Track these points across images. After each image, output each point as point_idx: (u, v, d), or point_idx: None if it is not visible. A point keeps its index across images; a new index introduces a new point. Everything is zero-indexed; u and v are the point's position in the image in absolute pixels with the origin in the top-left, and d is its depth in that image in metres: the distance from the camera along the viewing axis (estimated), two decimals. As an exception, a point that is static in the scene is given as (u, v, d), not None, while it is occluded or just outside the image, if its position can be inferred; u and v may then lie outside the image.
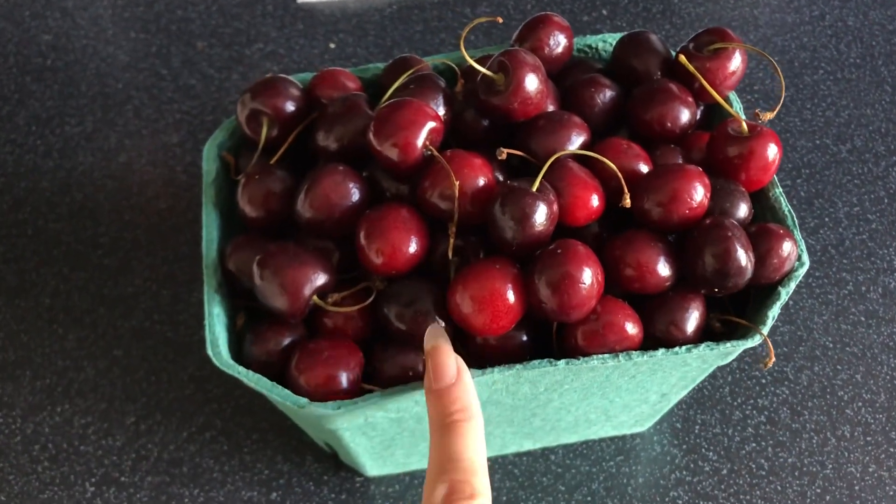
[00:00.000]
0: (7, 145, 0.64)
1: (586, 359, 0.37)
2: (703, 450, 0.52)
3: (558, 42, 0.45)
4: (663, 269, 0.38)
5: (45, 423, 0.52)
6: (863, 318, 0.57)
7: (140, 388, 0.53)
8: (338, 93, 0.44)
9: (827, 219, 0.62)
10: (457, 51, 0.68)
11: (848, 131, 0.66)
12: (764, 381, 0.55)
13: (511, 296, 0.36)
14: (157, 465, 0.51)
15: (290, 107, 0.43)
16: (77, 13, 0.73)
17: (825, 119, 0.67)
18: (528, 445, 0.51)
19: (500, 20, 0.40)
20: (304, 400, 0.36)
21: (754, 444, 0.52)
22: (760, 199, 0.43)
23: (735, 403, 0.54)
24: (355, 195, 0.39)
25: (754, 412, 0.54)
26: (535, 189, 0.37)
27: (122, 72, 0.69)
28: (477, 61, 0.44)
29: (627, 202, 0.38)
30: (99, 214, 0.61)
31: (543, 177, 0.38)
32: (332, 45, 0.70)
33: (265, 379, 0.37)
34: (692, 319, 0.39)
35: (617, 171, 0.38)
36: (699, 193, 0.38)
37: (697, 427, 0.53)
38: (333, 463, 0.51)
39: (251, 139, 0.44)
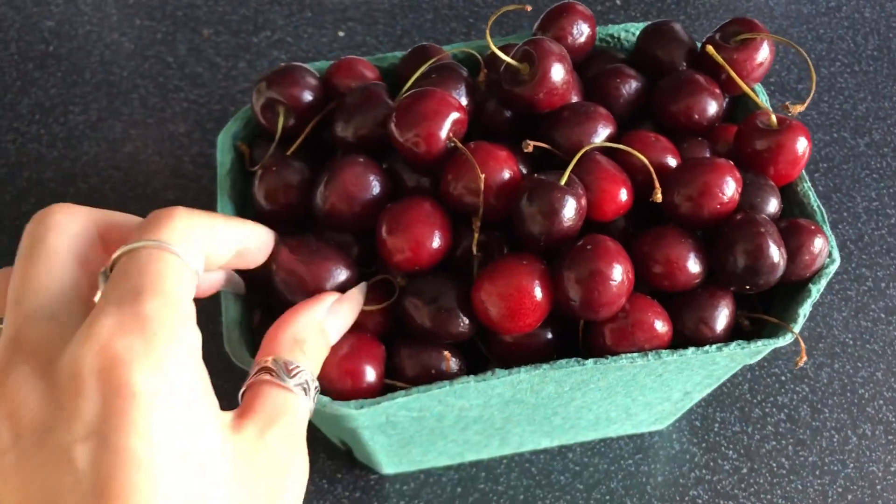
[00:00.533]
0: (10, 133, 0.63)
1: (615, 358, 0.36)
2: (723, 448, 0.51)
3: (581, 31, 0.44)
4: (693, 265, 0.37)
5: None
6: (883, 315, 0.56)
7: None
8: (355, 82, 0.43)
9: (845, 213, 0.61)
10: (474, 40, 0.67)
11: (866, 125, 0.65)
12: (783, 378, 0.54)
13: (538, 293, 0.35)
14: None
15: (307, 96, 0.41)
16: (80, -1, 0.71)
17: (843, 112, 0.66)
18: (545, 443, 0.50)
19: (529, 8, 0.39)
20: (326, 399, 0.35)
21: (774, 443, 0.52)
22: (788, 194, 0.42)
23: (755, 401, 0.53)
24: (376, 187, 0.38)
25: (774, 410, 0.53)
26: (563, 183, 0.36)
27: (126, 59, 0.67)
28: (500, 49, 0.43)
29: (659, 197, 0.37)
30: (105, 205, 0.59)
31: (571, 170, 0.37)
32: (341, 34, 0.69)
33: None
34: (722, 317, 0.38)
35: (648, 164, 0.37)
36: (730, 188, 0.37)
37: (717, 425, 0.52)
38: (347, 460, 0.50)
39: (266, 129, 0.42)
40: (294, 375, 0.30)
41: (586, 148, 0.37)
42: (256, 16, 0.70)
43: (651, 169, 0.37)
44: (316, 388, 0.31)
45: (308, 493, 0.49)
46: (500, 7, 0.71)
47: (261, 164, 0.41)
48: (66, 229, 0.27)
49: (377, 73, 0.45)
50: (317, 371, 0.32)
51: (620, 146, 0.38)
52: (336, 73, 0.43)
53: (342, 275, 0.37)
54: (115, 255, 0.26)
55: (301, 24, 0.70)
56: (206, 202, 0.59)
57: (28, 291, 0.26)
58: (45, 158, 0.61)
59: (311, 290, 0.36)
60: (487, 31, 0.38)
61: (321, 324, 0.34)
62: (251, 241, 0.33)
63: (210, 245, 0.29)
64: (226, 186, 0.41)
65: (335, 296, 0.35)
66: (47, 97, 0.65)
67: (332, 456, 0.50)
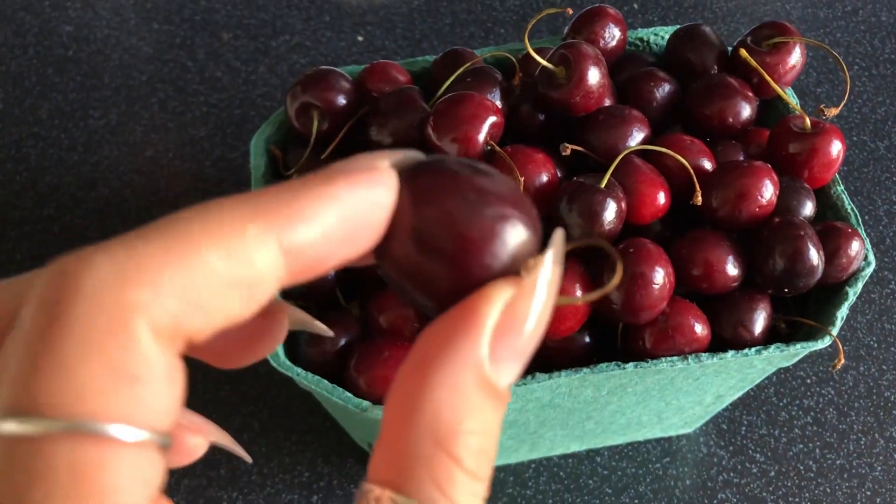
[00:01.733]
0: (30, 139, 0.63)
1: (655, 361, 0.36)
2: (751, 451, 0.51)
3: (613, 35, 0.44)
4: (732, 268, 0.37)
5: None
6: (906, 318, 0.56)
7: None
8: (388, 86, 0.43)
9: (867, 216, 0.61)
10: (492, 43, 0.67)
11: (885, 128, 0.65)
12: (809, 381, 0.54)
13: (579, 296, 0.35)
14: (193, 468, 0.50)
15: (341, 100, 0.41)
16: (98, 3, 0.71)
17: (861, 116, 0.66)
18: (574, 447, 0.50)
19: (570, 11, 0.39)
20: (366, 403, 0.35)
21: (801, 446, 0.52)
22: (821, 197, 0.42)
23: (781, 404, 0.53)
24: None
25: (800, 413, 0.53)
26: (603, 186, 0.36)
27: (146, 63, 0.67)
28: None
29: (699, 199, 0.37)
30: (126, 210, 0.59)
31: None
32: (360, 38, 0.69)
33: (325, 381, 0.36)
34: (760, 320, 0.38)
35: (689, 167, 0.37)
36: (769, 191, 0.37)
37: (744, 428, 0.52)
38: (375, 465, 0.50)
39: (300, 133, 0.42)
40: None
41: (626, 151, 0.37)
42: (275, 20, 0.70)
43: (691, 171, 0.37)
44: None
45: (336, 498, 0.49)
46: (519, 13, 0.71)
47: (296, 167, 0.41)
48: None
49: (409, 77, 0.44)
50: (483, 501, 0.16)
51: (660, 149, 0.38)
52: (369, 77, 0.43)
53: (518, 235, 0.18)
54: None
55: (320, 28, 0.70)
56: (228, 206, 0.59)
57: None
58: (66, 163, 0.61)
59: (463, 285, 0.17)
60: (526, 35, 0.38)
61: (489, 381, 0.16)
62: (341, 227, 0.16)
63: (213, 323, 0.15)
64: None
65: (503, 294, 0.16)
66: (67, 102, 0.65)
67: (360, 461, 0.50)
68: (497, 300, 0.16)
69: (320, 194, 0.15)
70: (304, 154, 0.41)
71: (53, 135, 0.63)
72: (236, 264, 0.14)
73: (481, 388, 0.15)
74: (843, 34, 0.71)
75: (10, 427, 0.13)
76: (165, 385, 0.14)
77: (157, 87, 0.66)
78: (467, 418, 0.15)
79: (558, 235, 0.17)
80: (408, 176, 0.17)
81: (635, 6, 0.72)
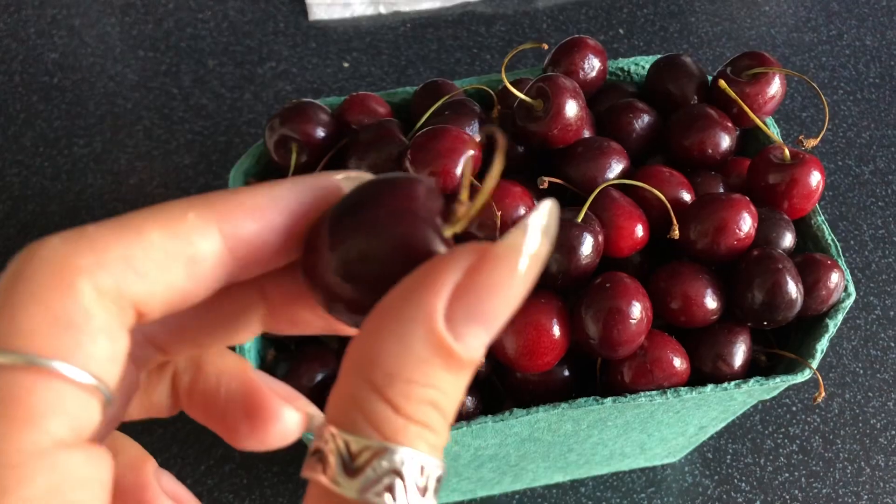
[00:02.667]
0: (14, 167, 0.62)
1: (633, 396, 0.36)
2: (736, 480, 0.51)
3: (593, 66, 0.44)
4: (711, 301, 0.37)
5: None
6: (892, 344, 0.56)
7: (156, 420, 0.52)
8: (368, 118, 0.43)
9: (852, 241, 0.61)
10: (477, 70, 0.67)
11: (870, 152, 0.65)
12: (794, 408, 0.54)
13: (556, 331, 0.35)
14: (174, 500, 0.49)
15: (319, 132, 0.41)
16: (84, 31, 0.71)
17: (847, 140, 0.66)
18: (558, 478, 0.50)
19: (546, 46, 0.39)
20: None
21: (787, 475, 0.51)
22: (802, 227, 0.41)
23: (766, 432, 0.53)
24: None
25: (786, 441, 0.52)
26: (580, 220, 0.36)
27: (131, 91, 0.67)
28: (512, 84, 0.43)
29: (676, 233, 0.37)
30: (110, 238, 0.59)
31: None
32: (346, 64, 0.69)
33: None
34: (739, 353, 0.38)
35: (665, 201, 0.37)
36: (747, 224, 0.37)
37: (729, 457, 0.52)
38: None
39: (279, 165, 0.42)
40: (366, 467, 0.15)
41: (603, 185, 0.37)
42: (261, 46, 0.70)
43: (668, 206, 0.37)
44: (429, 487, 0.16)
45: (318, 530, 0.48)
46: (505, 38, 0.71)
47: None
48: None
49: (389, 109, 0.44)
50: (435, 448, 0.16)
51: (637, 183, 0.38)
52: (348, 109, 0.43)
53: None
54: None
55: (306, 54, 0.70)
56: (212, 234, 0.59)
57: None
58: (50, 191, 0.61)
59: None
60: (503, 69, 0.38)
61: (441, 337, 0.16)
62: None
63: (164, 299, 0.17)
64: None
65: (466, 257, 0.16)
66: (51, 129, 0.65)
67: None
68: (458, 262, 0.16)
69: (264, 192, 0.18)
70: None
71: (37, 163, 0.63)
72: (176, 241, 0.16)
73: (429, 343, 0.16)
74: (828, 58, 0.71)
75: None
76: (105, 338, 0.15)
77: (143, 115, 0.66)
78: (410, 369, 0.15)
79: (545, 205, 0.17)
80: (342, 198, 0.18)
81: (620, 31, 0.72)
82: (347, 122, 0.43)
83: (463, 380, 0.16)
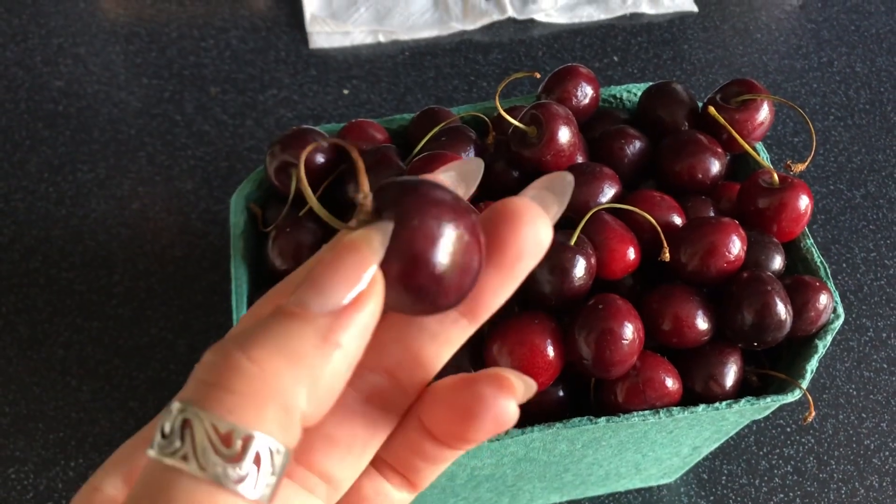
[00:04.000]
0: (18, 192, 0.64)
1: (627, 416, 0.37)
2: (731, 501, 0.51)
3: (585, 93, 0.45)
4: (701, 323, 0.38)
5: (58, 479, 0.51)
6: (885, 365, 0.57)
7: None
8: (366, 144, 0.44)
9: (844, 265, 0.62)
10: (475, 97, 0.69)
11: (861, 177, 0.66)
12: (789, 429, 0.54)
13: (550, 352, 0.36)
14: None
15: (319, 158, 0.42)
16: (89, 59, 0.72)
17: (838, 164, 0.67)
18: (555, 499, 0.50)
19: (538, 75, 0.40)
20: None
21: (782, 495, 0.52)
22: (791, 250, 0.42)
23: (761, 453, 0.53)
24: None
25: (780, 462, 0.53)
26: (573, 243, 0.37)
27: (134, 118, 0.68)
28: (507, 111, 0.44)
29: (667, 256, 0.38)
30: (112, 263, 0.60)
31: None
32: (346, 92, 0.70)
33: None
34: (731, 374, 0.39)
35: (656, 224, 0.38)
36: (736, 246, 0.38)
37: (724, 478, 0.52)
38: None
39: (279, 191, 0.43)
40: (178, 442, 0.16)
41: (595, 209, 0.38)
42: (262, 74, 0.72)
43: (658, 229, 0.38)
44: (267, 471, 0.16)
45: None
46: (501, 66, 0.72)
47: (275, 224, 0.42)
48: None
49: (387, 135, 0.46)
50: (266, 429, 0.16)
51: (628, 207, 0.39)
52: (348, 136, 0.44)
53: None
54: None
55: (306, 82, 0.71)
56: (213, 258, 0.60)
57: None
58: (54, 216, 0.62)
59: None
60: (497, 97, 0.39)
61: (291, 308, 0.17)
62: None
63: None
64: (239, 247, 0.42)
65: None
66: (56, 155, 0.66)
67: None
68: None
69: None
70: (283, 212, 0.42)
71: (42, 188, 0.64)
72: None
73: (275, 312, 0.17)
74: (819, 84, 0.73)
75: None
76: None
77: (146, 141, 0.67)
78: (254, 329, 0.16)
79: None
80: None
81: (615, 59, 0.74)
82: (346, 149, 0.44)
83: (300, 328, 0.17)
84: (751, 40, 0.76)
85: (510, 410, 0.19)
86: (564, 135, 0.40)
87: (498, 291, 0.20)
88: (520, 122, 0.41)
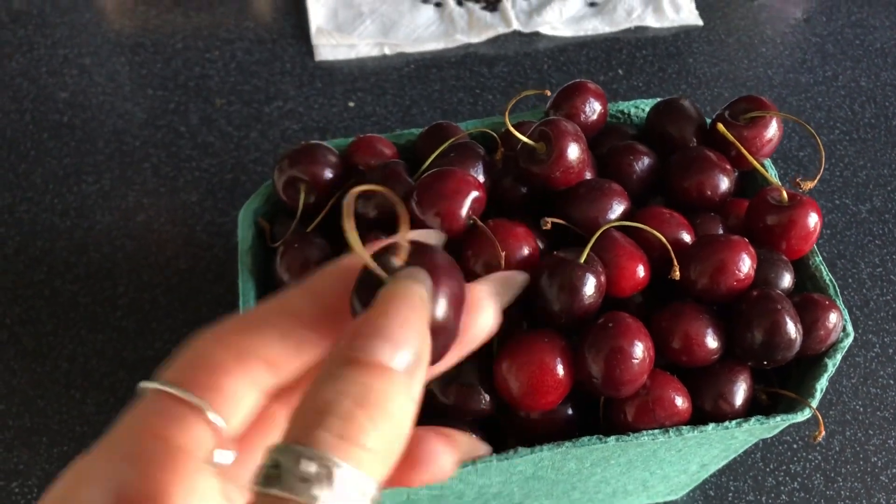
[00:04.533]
0: (23, 203, 0.63)
1: (636, 435, 0.36)
2: (738, 519, 0.51)
3: (594, 109, 0.45)
4: (711, 341, 0.38)
5: (61, 493, 0.51)
6: (892, 381, 0.57)
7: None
8: (375, 159, 0.44)
9: (850, 280, 0.61)
10: (480, 109, 0.69)
11: (867, 191, 0.66)
12: (795, 446, 0.54)
13: (560, 370, 0.36)
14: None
15: (328, 174, 0.42)
16: (94, 70, 0.72)
17: (843, 179, 0.67)
18: (561, 515, 0.50)
19: (548, 93, 0.40)
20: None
21: (789, 513, 0.51)
22: (800, 268, 0.42)
23: (767, 469, 0.53)
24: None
25: (787, 479, 0.53)
26: (582, 261, 0.36)
27: (139, 129, 0.68)
28: (515, 126, 0.44)
29: (677, 274, 0.38)
30: (117, 275, 0.60)
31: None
32: (351, 104, 0.70)
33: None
34: (740, 392, 0.38)
35: (666, 242, 0.38)
36: (746, 265, 0.38)
37: (730, 494, 0.52)
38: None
39: (287, 205, 0.43)
40: (314, 480, 0.17)
41: (605, 227, 0.38)
42: (268, 86, 0.72)
43: (669, 247, 0.38)
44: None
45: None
46: (506, 79, 0.72)
47: (283, 240, 0.42)
48: None
49: (395, 150, 0.45)
50: (379, 469, 0.18)
51: (638, 224, 0.39)
52: (356, 151, 0.44)
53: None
54: None
55: (312, 94, 0.71)
56: (217, 271, 0.60)
57: None
58: (58, 228, 0.62)
59: None
60: (506, 114, 0.39)
61: (344, 350, 0.19)
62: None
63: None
64: (247, 262, 0.42)
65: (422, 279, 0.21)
66: (61, 167, 0.66)
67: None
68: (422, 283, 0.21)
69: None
70: (292, 227, 0.42)
71: (47, 200, 0.64)
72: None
73: (339, 360, 0.19)
74: (824, 98, 0.73)
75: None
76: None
77: (150, 153, 0.67)
78: (373, 393, 0.18)
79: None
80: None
81: (620, 72, 0.74)
82: (355, 164, 0.44)
83: (390, 387, 0.18)
84: (756, 54, 0.76)
85: (449, 466, 0.22)
86: (573, 151, 0.40)
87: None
88: (528, 138, 0.41)
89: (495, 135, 0.44)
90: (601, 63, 0.75)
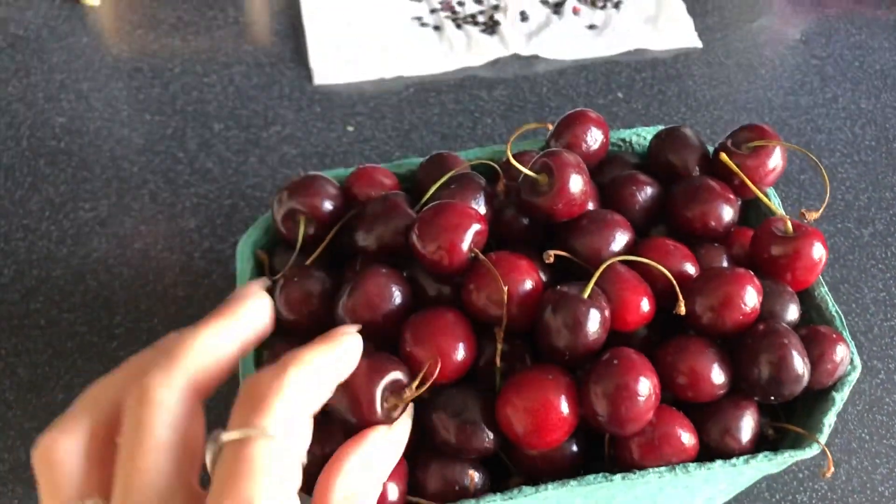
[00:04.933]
0: (19, 231, 0.63)
1: (642, 472, 0.36)
2: (744, 550, 0.50)
3: (595, 139, 0.45)
4: (717, 376, 0.37)
5: (57, 528, 0.50)
6: (897, 409, 0.56)
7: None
8: (374, 190, 0.44)
9: (854, 305, 0.61)
10: (483, 139, 0.68)
11: (869, 215, 0.66)
12: (801, 475, 0.53)
13: (565, 408, 0.35)
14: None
15: (327, 206, 0.42)
16: (92, 95, 0.72)
17: (845, 202, 0.67)
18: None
19: (550, 126, 0.40)
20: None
21: (796, 544, 0.51)
22: (805, 298, 0.42)
23: (773, 499, 0.52)
24: (399, 298, 0.38)
25: (794, 509, 0.52)
26: (586, 296, 0.36)
27: (137, 154, 0.68)
28: (516, 157, 0.44)
29: (682, 310, 0.37)
30: (114, 304, 0.59)
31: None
32: (350, 129, 0.70)
33: (304, 496, 0.35)
34: (747, 428, 0.38)
35: (671, 277, 0.37)
36: (752, 298, 0.37)
37: (736, 526, 0.51)
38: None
39: (286, 238, 0.43)
40: None
41: (609, 261, 0.37)
42: (266, 111, 0.71)
43: (674, 283, 0.37)
44: None
45: None
46: (505, 102, 0.72)
47: (282, 273, 0.41)
48: (167, 407, 0.26)
49: (395, 181, 0.45)
50: None
51: (643, 259, 0.38)
52: (356, 182, 0.44)
53: (392, 375, 0.35)
54: (221, 440, 0.26)
55: (310, 118, 0.71)
56: (216, 299, 0.59)
57: (134, 489, 0.26)
58: (55, 256, 0.61)
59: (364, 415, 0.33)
60: (508, 146, 0.38)
61: (375, 468, 0.32)
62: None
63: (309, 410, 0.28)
64: (246, 297, 0.41)
65: (383, 429, 0.33)
66: (57, 193, 0.65)
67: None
68: (381, 430, 0.34)
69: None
70: (291, 259, 0.42)
71: (43, 227, 0.63)
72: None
73: (375, 476, 0.33)
74: (825, 121, 0.72)
75: (239, 434, 0.26)
76: (306, 444, 0.29)
77: (148, 179, 0.66)
78: (368, 489, 0.32)
79: (409, 408, 0.36)
80: None
81: (619, 95, 0.73)
82: (354, 195, 0.44)
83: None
84: (755, 76, 0.76)
85: None
86: (576, 184, 0.40)
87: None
88: (530, 169, 0.40)
89: (496, 166, 0.44)
90: (600, 86, 0.74)
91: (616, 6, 0.80)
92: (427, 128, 0.70)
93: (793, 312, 0.40)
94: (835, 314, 0.40)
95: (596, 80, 0.75)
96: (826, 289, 0.41)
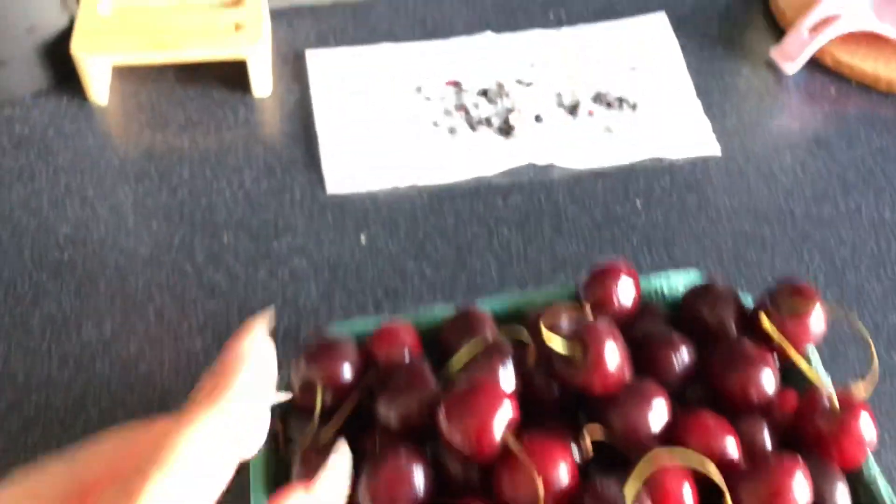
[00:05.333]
0: (19, 352, 0.61)
1: None
2: None
3: (628, 295, 0.43)
4: (768, 577, 0.35)
5: None
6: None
7: None
8: (396, 350, 0.42)
9: (887, 437, 0.58)
10: (499, 249, 0.66)
11: (899, 337, 0.64)
12: None
13: None
14: None
15: (346, 374, 0.40)
16: (97, 201, 0.70)
17: (874, 323, 0.65)
18: None
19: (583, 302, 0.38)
20: None
21: None
22: (853, 479, 0.39)
23: None
24: (421, 485, 0.36)
25: None
26: (630, 501, 0.34)
27: (143, 267, 0.66)
28: (541, 308, 0.42)
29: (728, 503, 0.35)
30: (116, 434, 0.56)
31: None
32: (363, 238, 0.68)
33: None
34: None
35: (716, 472, 0.35)
36: (803, 491, 0.35)
37: None
38: None
39: (302, 406, 0.40)
40: None
41: (650, 453, 0.35)
42: (277, 219, 0.69)
43: (720, 479, 0.35)
44: None
45: None
46: (521, 210, 0.70)
47: (300, 446, 0.39)
48: None
49: (416, 338, 0.43)
50: None
51: (685, 450, 0.36)
52: (376, 343, 0.42)
53: None
54: None
55: (322, 228, 0.69)
56: (223, 430, 0.56)
57: None
58: (55, 380, 0.59)
59: None
60: (541, 323, 0.36)
61: None
62: None
63: None
64: (260, 476, 0.39)
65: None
66: (60, 310, 0.63)
67: None
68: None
69: None
70: (308, 431, 0.39)
71: (44, 348, 0.61)
72: None
73: None
74: (848, 233, 0.71)
75: None
76: None
77: (154, 294, 0.64)
78: None
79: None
80: None
81: (637, 204, 0.72)
82: (375, 357, 0.41)
83: None
84: (776, 184, 0.74)
85: None
86: (613, 359, 0.38)
87: None
88: (562, 338, 0.38)
89: (525, 332, 0.41)
90: (618, 193, 0.73)
91: (633, 107, 0.78)
92: (442, 238, 0.69)
93: (843, 497, 0.38)
94: (889, 500, 0.38)
95: (613, 188, 0.73)
96: (878, 469, 0.39)
